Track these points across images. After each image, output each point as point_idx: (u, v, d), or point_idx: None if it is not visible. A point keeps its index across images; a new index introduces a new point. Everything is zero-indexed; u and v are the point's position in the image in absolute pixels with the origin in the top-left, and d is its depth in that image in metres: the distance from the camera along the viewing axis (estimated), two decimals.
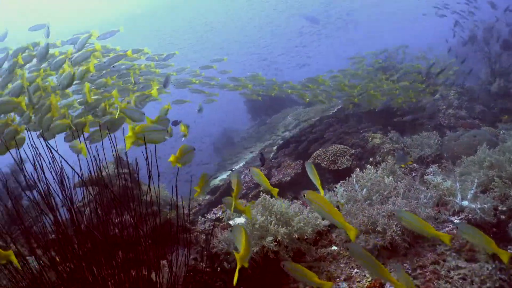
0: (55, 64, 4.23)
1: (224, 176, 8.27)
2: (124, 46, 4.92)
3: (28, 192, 3.30)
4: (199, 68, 6.44)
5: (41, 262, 3.16)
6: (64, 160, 3.17)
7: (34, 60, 4.39)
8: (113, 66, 4.43)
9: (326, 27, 24.76)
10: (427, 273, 2.94)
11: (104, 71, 4.49)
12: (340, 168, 5.81)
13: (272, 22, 25.31)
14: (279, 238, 3.00)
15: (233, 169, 8.37)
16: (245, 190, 6.49)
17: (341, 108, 7.62)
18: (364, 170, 4.19)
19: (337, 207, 3.82)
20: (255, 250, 3.01)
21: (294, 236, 3.04)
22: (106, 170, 5.43)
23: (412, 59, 10.17)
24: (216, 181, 8.05)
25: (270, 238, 2.98)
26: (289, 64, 23.40)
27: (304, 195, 2.42)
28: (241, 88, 6.84)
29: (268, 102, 12.29)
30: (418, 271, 2.98)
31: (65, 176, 3.29)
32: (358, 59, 9.04)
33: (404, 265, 3.04)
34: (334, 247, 3.39)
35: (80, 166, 3.47)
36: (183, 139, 4.28)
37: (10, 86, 4.23)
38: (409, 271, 2.98)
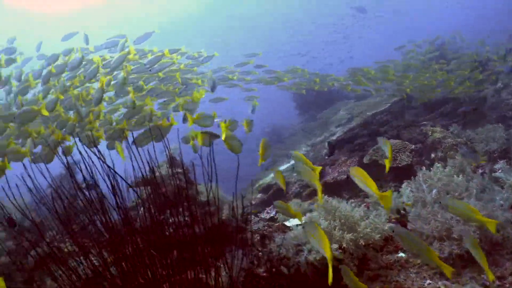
0: (89, 74, 4.22)
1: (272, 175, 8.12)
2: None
3: (81, 193, 3.32)
4: (234, 65, 6.31)
5: (95, 263, 3.15)
6: (103, 162, 3.16)
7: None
8: (150, 70, 4.38)
9: (372, 19, 23.96)
10: (506, 285, 2.67)
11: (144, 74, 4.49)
12: (399, 165, 5.49)
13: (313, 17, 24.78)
14: (344, 245, 2.80)
15: (282, 168, 8.21)
16: (298, 189, 6.30)
17: (396, 101, 7.26)
18: (430, 168, 3.90)
19: (404, 209, 3.57)
20: (317, 258, 2.83)
21: (360, 243, 2.83)
22: (160, 170, 5.42)
23: (469, 46, 9.56)
24: (267, 179, 7.90)
25: (335, 246, 2.78)
26: (330, 58, 22.83)
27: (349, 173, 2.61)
28: (277, 82, 6.62)
29: (316, 97, 12.00)
30: (497, 282, 2.70)
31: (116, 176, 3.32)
32: (409, 48, 8.63)
33: (482, 275, 2.76)
34: (402, 254, 3.15)
35: (133, 166, 3.45)
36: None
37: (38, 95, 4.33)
38: (487, 283, 2.71)
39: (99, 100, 3.92)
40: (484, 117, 7.13)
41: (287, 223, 4.75)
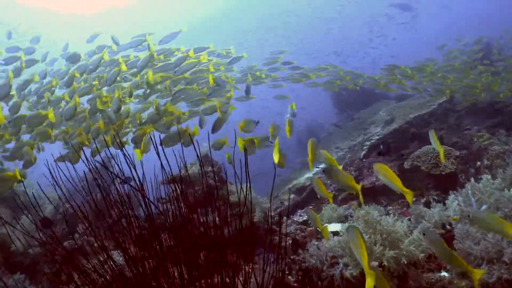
0: (110, 77, 4.19)
1: (310, 174, 7.89)
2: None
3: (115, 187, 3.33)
4: (262, 64, 6.13)
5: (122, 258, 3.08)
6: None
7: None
8: (175, 72, 4.29)
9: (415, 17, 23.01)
10: None
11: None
12: (443, 173, 5.17)
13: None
14: (385, 263, 2.58)
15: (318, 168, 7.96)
16: (333, 191, 6.07)
17: (440, 103, 6.88)
18: (477, 178, 3.60)
19: (449, 224, 3.30)
20: (354, 274, 2.62)
21: (402, 261, 2.60)
22: (191, 168, 5.32)
23: None
24: (301, 180, 7.69)
25: (374, 263, 2.57)
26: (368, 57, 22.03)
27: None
28: (304, 80, 6.38)
29: (355, 96, 11.65)
30: None
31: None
32: (451, 48, 8.18)
33: None
34: (444, 273, 2.89)
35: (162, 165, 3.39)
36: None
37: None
38: None
39: (118, 110, 3.93)
40: None
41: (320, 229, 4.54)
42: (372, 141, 6.60)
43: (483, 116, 7.43)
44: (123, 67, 4.15)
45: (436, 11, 24.90)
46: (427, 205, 4.95)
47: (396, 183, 2.50)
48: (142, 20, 18.60)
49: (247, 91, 4.32)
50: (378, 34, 22.70)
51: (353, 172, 6.19)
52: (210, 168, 5.20)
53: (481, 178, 3.43)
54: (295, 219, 5.63)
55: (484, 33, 9.54)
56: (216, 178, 5.15)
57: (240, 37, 21.04)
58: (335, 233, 4.42)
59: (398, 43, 24.01)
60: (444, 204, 3.54)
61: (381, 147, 5.58)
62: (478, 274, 2.14)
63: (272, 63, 6.12)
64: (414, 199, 5.21)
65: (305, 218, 5.53)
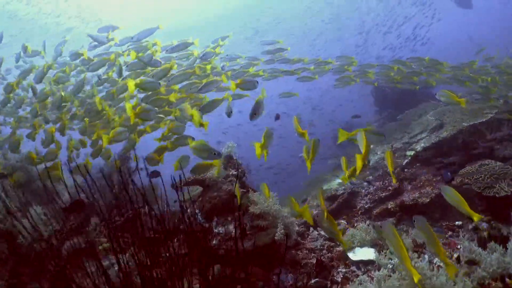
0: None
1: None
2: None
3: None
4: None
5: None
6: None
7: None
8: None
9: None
10: None
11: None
12: (497, 195, 4.46)
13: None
14: None
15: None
16: (368, 204, 5.45)
17: (498, 112, 6.07)
18: None
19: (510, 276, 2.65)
20: None
21: None
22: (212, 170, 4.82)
23: None
24: (333, 185, 7.08)
25: None
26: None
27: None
28: (317, 77, 5.72)
29: (399, 94, 10.85)
30: None
31: None
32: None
33: None
34: None
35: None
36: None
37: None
38: None
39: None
40: None
41: (351, 255, 3.97)
42: (418, 149, 5.90)
43: None
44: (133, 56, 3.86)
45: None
46: (476, 232, 4.28)
47: (465, 207, 2.54)
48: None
49: (228, 114, 3.94)
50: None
51: (392, 183, 5.53)
52: (232, 171, 4.69)
53: None
54: (322, 233, 5.06)
55: None
56: (238, 184, 4.65)
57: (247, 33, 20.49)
58: (367, 262, 3.84)
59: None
60: (505, 246, 2.87)
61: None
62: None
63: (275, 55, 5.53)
64: (460, 223, 4.54)
65: None
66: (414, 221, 2.35)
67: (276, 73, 5.38)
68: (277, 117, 5.41)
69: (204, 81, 4.11)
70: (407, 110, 9.28)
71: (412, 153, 6.03)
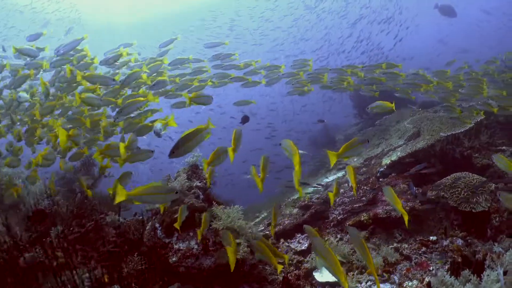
0: None
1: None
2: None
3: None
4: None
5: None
6: None
7: None
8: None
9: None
10: None
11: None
12: (474, 210, 4.28)
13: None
14: None
15: (326, 181, 7.11)
16: (341, 215, 5.21)
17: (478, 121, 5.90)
18: None
19: None
20: None
21: None
22: (178, 179, 4.52)
23: None
24: (309, 191, 6.85)
25: None
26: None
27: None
28: (264, 81, 5.39)
29: (377, 98, 10.67)
30: None
31: None
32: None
33: None
34: None
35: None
36: None
37: None
38: None
39: None
40: None
41: (317, 275, 3.71)
42: (393, 158, 5.70)
43: None
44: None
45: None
46: (448, 251, 4.09)
47: (398, 206, 2.76)
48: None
49: (157, 134, 3.84)
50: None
51: (366, 194, 5.31)
52: (196, 183, 4.40)
53: None
54: (292, 246, 4.81)
55: None
56: (202, 197, 4.37)
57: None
58: (333, 285, 3.60)
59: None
60: (480, 274, 2.65)
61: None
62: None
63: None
64: (435, 238, 4.34)
65: (304, 247, 4.71)
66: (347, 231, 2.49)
67: (224, 80, 5.04)
68: (245, 120, 5.00)
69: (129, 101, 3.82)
70: (386, 115, 9.11)
71: (388, 161, 5.82)
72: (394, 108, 4.13)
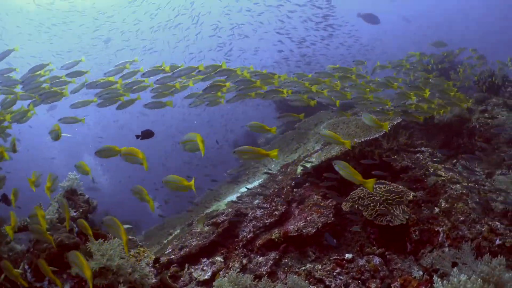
0: None
1: (233, 197, 6.48)
2: None
3: None
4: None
5: None
6: None
7: None
8: None
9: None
10: None
11: None
12: (391, 224, 3.90)
13: None
14: None
15: (242, 192, 6.57)
16: (251, 233, 4.67)
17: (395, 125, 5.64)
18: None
19: None
20: None
21: None
22: (49, 208, 3.76)
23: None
24: (221, 205, 6.27)
25: None
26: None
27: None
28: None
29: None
30: None
31: None
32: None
33: None
34: None
35: None
36: None
37: None
38: None
39: None
40: (499, 152, 5.60)
41: None
42: (308, 166, 5.25)
43: (438, 135, 6.35)
44: None
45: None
46: (366, 270, 3.69)
47: (357, 177, 2.87)
48: None
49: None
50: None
51: (279, 207, 4.82)
52: (71, 212, 3.66)
53: None
54: (195, 275, 4.19)
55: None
56: (78, 229, 3.63)
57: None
58: None
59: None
60: None
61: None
62: None
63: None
64: (350, 256, 3.91)
65: (208, 276, 4.11)
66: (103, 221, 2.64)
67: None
68: (145, 135, 4.22)
69: None
70: (305, 118, 8.76)
71: (301, 169, 5.38)
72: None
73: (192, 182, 2.70)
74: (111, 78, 4.28)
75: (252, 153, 2.91)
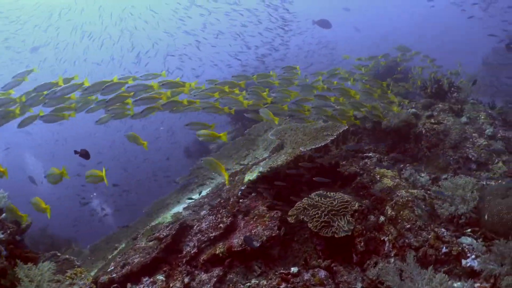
0: None
1: (180, 208, 6.26)
2: None
3: None
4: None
5: None
6: None
7: None
8: None
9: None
10: None
11: None
12: (336, 236, 3.83)
13: None
14: None
15: (190, 199, 6.35)
16: (195, 248, 4.48)
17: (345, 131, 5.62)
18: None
19: None
20: None
21: None
22: None
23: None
24: (167, 217, 6.03)
25: None
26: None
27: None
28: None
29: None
30: None
31: None
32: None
33: None
34: None
35: None
36: None
37: None
38: None
39: None
40: (444, 156, 5.70)
41: None
42: (254, 176, 5.12)
43: (385, 140, 6.41)
44: None
45: None
46: (311, 284, 3.59)
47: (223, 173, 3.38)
48: None
49: None
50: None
51: (224, 219, 4.66)
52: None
53: None
54: None
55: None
56: (6, 253, 3.32)
57: None
58: None
59: None
60: None
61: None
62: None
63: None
64: (296, 270, 3.80)
65: None
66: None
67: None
68: (82, 156, 4.09)
69: None
70: (255, 123, 8.65)
71: (250, 178, 5.24)
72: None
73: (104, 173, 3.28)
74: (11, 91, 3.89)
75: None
